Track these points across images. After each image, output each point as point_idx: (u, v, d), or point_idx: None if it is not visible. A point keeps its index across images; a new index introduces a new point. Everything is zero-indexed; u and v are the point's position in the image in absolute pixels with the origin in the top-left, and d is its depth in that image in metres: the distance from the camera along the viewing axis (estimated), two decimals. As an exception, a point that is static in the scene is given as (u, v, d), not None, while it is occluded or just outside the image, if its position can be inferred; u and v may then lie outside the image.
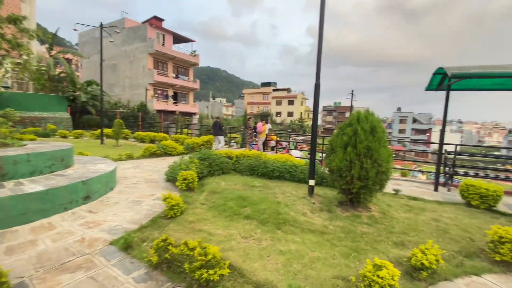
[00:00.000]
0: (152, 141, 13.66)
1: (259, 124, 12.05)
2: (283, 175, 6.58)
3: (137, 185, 5.29)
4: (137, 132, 15.06)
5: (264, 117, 58.53)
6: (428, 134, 63.92)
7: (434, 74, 6.46)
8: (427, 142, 59.87)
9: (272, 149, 13.58)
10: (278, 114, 64.99)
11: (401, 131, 68.81)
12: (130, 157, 8.48)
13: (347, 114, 77.07)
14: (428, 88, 7.10)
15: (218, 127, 11.61)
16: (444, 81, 6.54)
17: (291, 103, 64.42)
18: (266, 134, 12.31)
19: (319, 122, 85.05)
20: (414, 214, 4.47)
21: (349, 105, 79.96)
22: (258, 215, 3.72)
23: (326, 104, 79.63)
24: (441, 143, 6.37)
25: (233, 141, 16.35)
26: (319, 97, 5.01)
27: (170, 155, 9.43)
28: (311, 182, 5.00)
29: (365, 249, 3.09)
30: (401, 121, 69.26)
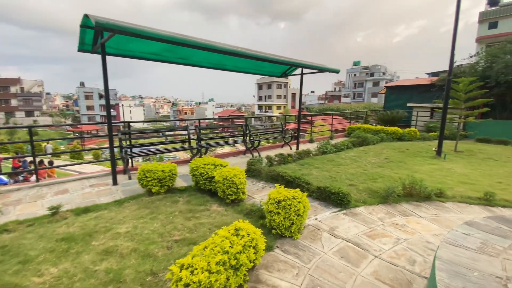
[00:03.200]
0: None
1: None
2: None
3: None
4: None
5: None
6: (115, 109, 65.59)
7: (82, 26, 4.51)
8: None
9: None
10: None
11: (89, 108, 63.93)
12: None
13: (14, 89, 55.23)
14: (81, 48, 5.13)
15: None
16: (98, 40, 4.88)
17: None
18: None
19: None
20: (71, 263, 2.53)
21: (13, 77, 57.68)
22: None
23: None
24: (109, 123, 4.87)
25: None
26: None
27: None
28: None
29: None
30: (87, 97, 63.85)
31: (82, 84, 66.14)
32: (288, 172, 4.82)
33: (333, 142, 9.14)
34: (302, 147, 9.26)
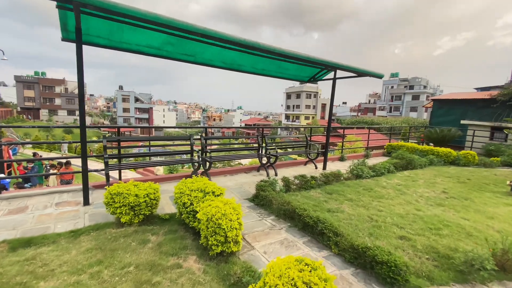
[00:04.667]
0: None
1: None
2: None
3: None
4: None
5: None
6: (149, 113, 68.62)
7: (58, 6, 3.62)
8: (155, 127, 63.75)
9: None
10: None
11: (125, 110, 67.54)
12: None
13: (59, 89, 60.49)
14: (65, 37, 4.30)
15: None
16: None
17: None
18: None
19: (9, 99, 58.96)
20: None
21: (61, 77, 62.86)
22: None
23: (24, 74, 56.63)
24: (82, 127, 3.93)
25: None
26: None
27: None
28: None
29: None
30: (124, 100, 67.68)
31: (120, 87, 70.40)
32: (308, 209, 3.42)
33: (369, 162, 7.49)
34: (331, 166, 7.73)
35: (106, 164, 4.25)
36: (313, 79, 7.48)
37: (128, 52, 4.97)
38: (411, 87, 61.21)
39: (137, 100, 69.09)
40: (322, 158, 7.43)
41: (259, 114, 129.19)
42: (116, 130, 5.13)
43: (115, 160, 5.10)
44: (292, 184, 5.14)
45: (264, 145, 6.69)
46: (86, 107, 67.01)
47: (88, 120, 63.20)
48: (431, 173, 7.41)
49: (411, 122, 40.13)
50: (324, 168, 7.20)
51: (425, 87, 59.79)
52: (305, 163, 7.76)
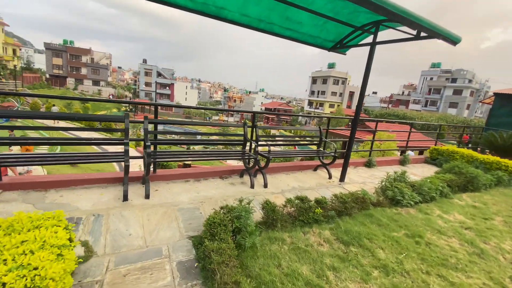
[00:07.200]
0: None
1: None
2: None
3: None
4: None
5: None
6: (169, 88, 67.95)
7: None
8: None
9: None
10: None
11: (148, 84, 67.33)
12: None
13: (85, 59, 60.95)
14: None
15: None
16: None
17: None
18: None
19: (41, 66, 60.87)
20: None
21: (88, 47, 63.40)
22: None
23: (53, 42, 57.53)
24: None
25: None
26: None
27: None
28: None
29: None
30: (147, 74, 67.33)
31: (144, 61, 69.87)
32: None
33: (408, 172, 5.01)
34: (352, 175, 5.36)
35: None
36: (341, 46, 4.96)
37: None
38: (454, 80, 54.22)
39: (159, 75, 68.37)
40: (342, 161, 5.05)
41: (281, 98, 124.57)
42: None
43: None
44: (280, 215, 2.95)
45: (254, 139, 4.47)
46: (110, 79, 67.36)
47: (111, 91, 63.67)
48: (506, 202, 4.83)
49: (449, 120, 35.13)
50: (342, 179, 4.86)
51: (470, 81, 52.59)
52: (315, 168, 5.44)
